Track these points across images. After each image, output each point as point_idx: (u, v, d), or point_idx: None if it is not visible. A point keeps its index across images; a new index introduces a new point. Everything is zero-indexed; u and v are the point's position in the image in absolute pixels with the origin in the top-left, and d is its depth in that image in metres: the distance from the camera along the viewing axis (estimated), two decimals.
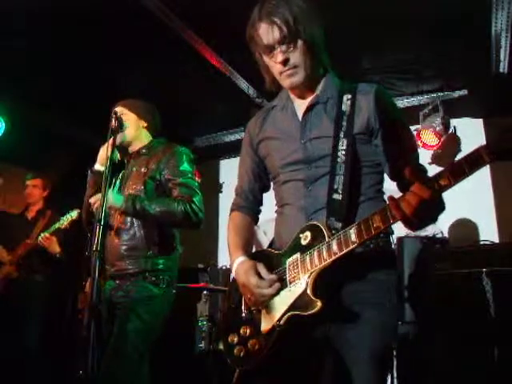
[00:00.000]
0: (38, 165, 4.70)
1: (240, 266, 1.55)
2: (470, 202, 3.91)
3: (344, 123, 1.49)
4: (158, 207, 2.30)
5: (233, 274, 1.61)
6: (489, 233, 3.95)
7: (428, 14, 3.28)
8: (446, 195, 1.16)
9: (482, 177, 4.09)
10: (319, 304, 1.31)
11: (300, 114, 1.58)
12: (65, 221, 3.79)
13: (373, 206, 1.44)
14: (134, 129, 2.54)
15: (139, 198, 2.32)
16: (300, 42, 1.46)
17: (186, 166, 2.46)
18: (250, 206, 1.77)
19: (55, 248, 3.89)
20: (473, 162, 1.06)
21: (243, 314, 1.57)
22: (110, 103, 2.55)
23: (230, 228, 1.74)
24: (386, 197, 1.55)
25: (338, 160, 1.46)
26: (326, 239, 1.36)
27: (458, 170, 1.08)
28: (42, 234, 3.85)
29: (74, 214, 3.80)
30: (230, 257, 1.65)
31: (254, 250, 1.71)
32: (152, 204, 2.31)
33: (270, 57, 1.51)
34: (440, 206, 1.21)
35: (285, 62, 1.47)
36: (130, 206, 2.29)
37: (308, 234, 1.43)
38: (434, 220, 1.24)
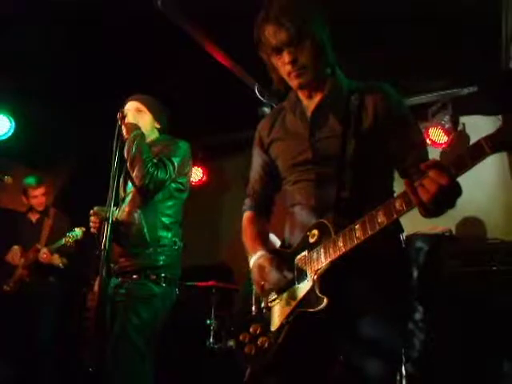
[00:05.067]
0: (46, 164, 4.75)
1: (256, 258, 1.56)
2: (479, 200, 3.87)
3: (352, 122, 1.49)
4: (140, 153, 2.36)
5: (250, 267, 1.61)
6: (498, 231, 3.90)
7: (437, 11, 3.25)
8: None
9: (491, 174, 4.05)
10: (325, 301, 1.31)
11: (308, 115, 1.59)
12: (70, 238, 3.80)
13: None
14: (148, 128, 2.57)
15: (142, 141, 2.41)
16: (308, 43, 1.46)
17: (176, 159, 2.46)
18: (262, 206, 1.78)
19: (55, 260, 3.96)
20: (475, 154, 1.08)
21: (253, 313, 1.60)
22: (116, 102, 2.57)
23: (244, 228, 1.75)
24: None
25: (347, 159, 1.46)
26: (332, 236, 1.37)
27: (460, 161, 1.11)
28: (42, 251, 3.90)
29: (79, 233, 3.79)
30: (247, 255, 1.66)
31: None
32: (143, 149, 2.38)
33: (277, 58, 1.51)
34: (457, 191, 1.17)
35: (293, 63, 1.47)
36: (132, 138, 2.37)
37: (315, 231, 1.45)
38: (451, 205, 1.19)
